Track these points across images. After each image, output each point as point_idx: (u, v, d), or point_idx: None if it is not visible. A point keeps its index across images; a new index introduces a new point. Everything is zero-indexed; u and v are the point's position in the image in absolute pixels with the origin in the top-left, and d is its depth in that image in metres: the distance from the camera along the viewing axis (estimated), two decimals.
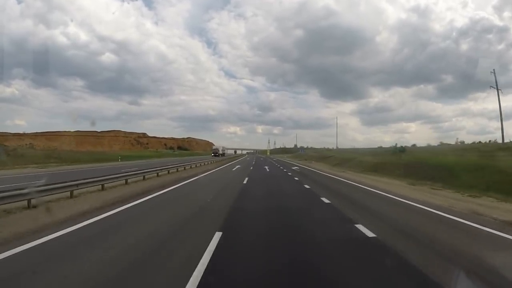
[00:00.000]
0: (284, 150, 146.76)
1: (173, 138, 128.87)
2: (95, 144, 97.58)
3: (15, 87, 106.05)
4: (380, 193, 11.49)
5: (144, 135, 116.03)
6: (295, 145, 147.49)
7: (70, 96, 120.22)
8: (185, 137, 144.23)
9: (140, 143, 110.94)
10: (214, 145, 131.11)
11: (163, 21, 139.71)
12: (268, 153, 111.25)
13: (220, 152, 69.31)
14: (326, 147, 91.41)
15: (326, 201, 9.12)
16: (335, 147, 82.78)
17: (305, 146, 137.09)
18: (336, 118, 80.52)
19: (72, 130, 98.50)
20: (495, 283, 3.20)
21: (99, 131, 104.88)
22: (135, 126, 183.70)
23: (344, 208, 7.94)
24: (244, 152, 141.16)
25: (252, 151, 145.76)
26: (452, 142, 47.84)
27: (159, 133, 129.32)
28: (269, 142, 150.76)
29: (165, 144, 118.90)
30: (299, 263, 3.85)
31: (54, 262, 3.76)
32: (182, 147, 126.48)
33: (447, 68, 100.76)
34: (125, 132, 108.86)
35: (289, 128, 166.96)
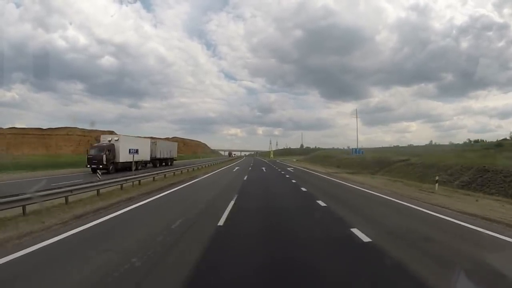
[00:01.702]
0: (289, 151, 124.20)
1: (151, 138, 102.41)
2: (37, 146, 72.15)
3: (15, 91, 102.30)
4: None
5: (110, 133, 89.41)
6: (301, 145, 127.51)
7: (70, 100, 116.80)
8: (170, 136, 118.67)
9: None
10: (212, 146, 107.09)
11: (162, 23, 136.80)
12: (272, 156, 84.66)
13: (114, 159, 23.13)
14: (333, 147, 79.59)
15: None
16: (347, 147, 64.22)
17: (311, 147, 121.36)
18: (356, 111, 61.09)
19: (5, 127, 73.04)
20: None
21: (44, 128, 78.99)
22: (135, 129, 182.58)
23: None
24: (243, 154, 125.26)
25: (253, 152, 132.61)
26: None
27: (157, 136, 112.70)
28: (270, 143, 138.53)
29: None
30: None
31: None
32: None
33: (448, 66, 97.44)
34: (82, 130, 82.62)
35: (289, 129, 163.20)
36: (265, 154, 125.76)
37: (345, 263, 4.23)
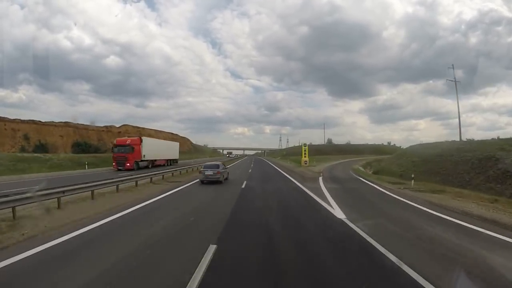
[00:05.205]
0: (316, 150, 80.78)
1: (66, 124, 55.54)
2: None
3: (22, 92, 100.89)
4: None
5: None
6: (330, 140, 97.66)
7: (77, 100, 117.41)
8: (118, 125, 69.62)
9: None
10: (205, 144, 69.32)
11: (167, 22, 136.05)
12: (307, 157, 39.62)
13: None
14: (367, 143, 77.83)
15: None
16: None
17: (337, 144, 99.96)
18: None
19: None
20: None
21: None
22: (141, 128, 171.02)
23: None
24: (246, 153, 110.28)
25: (260, 151, 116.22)
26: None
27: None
28: (280, 140, 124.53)
29: (41, 142, 49.26)
30: None
31: None
32: (91, 145, 53.85)
33: (456, 62, 68.90)
34: None
35: (297, 128, 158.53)
36: (276, 153, 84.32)
37: None
